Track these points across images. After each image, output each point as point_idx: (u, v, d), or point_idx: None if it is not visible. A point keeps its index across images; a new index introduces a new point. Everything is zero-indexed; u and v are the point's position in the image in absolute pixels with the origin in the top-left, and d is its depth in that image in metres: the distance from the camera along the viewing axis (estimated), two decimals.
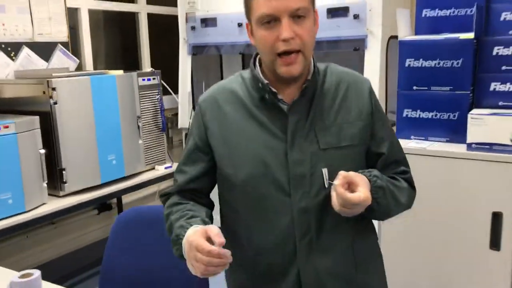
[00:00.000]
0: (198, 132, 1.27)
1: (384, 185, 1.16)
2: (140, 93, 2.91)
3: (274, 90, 1.20)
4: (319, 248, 1.19)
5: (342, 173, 1.08)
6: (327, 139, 1.19)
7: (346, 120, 1.21)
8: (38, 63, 2.99)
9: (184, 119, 3.57)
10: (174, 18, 3.53)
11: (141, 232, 1.67)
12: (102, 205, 3.52)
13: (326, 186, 1.16)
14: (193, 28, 3.40)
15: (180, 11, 3.45)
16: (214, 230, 1.05)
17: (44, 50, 3.02)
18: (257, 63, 1.24)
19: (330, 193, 1.10)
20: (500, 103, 1.59)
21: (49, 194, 2.45)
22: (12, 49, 2.85)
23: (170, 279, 1.59)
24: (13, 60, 2.86)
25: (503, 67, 1.58)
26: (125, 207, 3.50)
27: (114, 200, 3.52)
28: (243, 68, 3.75)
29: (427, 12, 1.75)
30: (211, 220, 1.25)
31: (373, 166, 1.24)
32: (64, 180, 2.49)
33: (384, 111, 1.32)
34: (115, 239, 1.72)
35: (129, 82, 2.84)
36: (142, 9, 3.75)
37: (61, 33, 3.12)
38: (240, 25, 3.13)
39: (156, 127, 3.07)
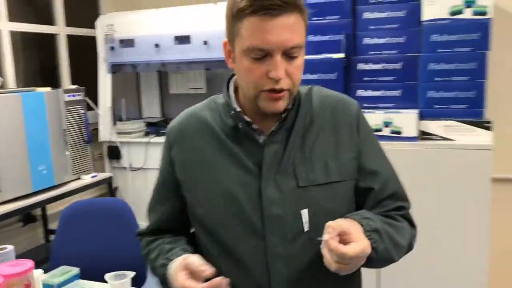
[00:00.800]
0: (166, 166, 1.16)
1: (379, 227, 1.00)
2: (66, 108, 3.16)
3: (248, 119, 1.07)
4: None
5: (330, 225, 0.91)
6: (307, 175, 1.04)
7: (330, 152, 1.07)
8: None
9: (105, 133, 3.83)
10: (92, 38, 3.81)
11: (88, 222, 1.98)
12: (27, 217, 3.66)
13: (306, 229, 1.03)
14: (112, 48, 3.70)
15: (99, 33, 3.74)
16: (195, 262, 0.98)
17: None
18: (231, 88, 1.12)
19: (320, 247, 0.94)
20: (364, 105, 2.11)
21: None
22: None
23: (120, 264, 1.73)
24: None
25: (365, 78, 2.12)
26: (50, 218, 3.67)
27: (39, 212, 3.68)
28: (160, 84, 4.10)
29: (311, 38, 2.25)
30: (193, 245, 1.16)
31: (362, 204, 1.10)
32: None
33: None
34: (62, 231, 2.01)
35: (56, 98, 3.08)
36: (62, 31, 3.98)
37: None
38: (157, 45, 3.50)
39: (81, 140, 3.33)
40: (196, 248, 1.15)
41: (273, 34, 0.94)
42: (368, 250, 0.91)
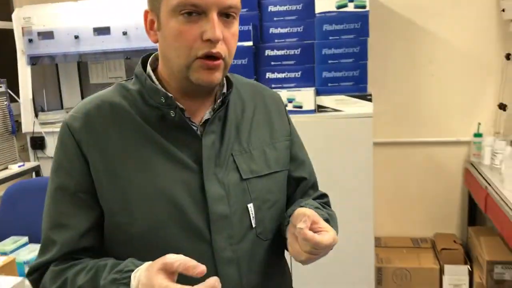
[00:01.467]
0: (76, 166, 0.92)
1: (327, 217, 0.98)
2: None
3: (181, 106, 0.92)
4: None
5: (305, 213, 0.87)
6: (249, 166, 0.97)
7: (267, 141, 1.02)
8: None
9: (28, 125, 3.91)
10: (9, 30, 3.85)
11: (29, 199, 2.17)
12: None
13: (253, 225, 0.95)
14: (30, 40, 3.78)
15: (16, 26, 3.80)
16: (179, 258, 0.78)
17: None
18: (150, 72, 0.96)
19: (287, 239, 0.92)
20: (272, 85, 2.48)
21: None
22: None
23: None
24: None
25: (272, 63, 2.48)
26: None
27: None
28: (80, 75, 4.23)
29: None
30: None
31: (291, 193, 1.08)
32: None
33: None
34: (4, 211, 2.19)
35: None
36: None
37: None
38: (76, 37, 3.63)
39: (6, 131, 3.41)
40: None
41: None
42: (337, 239, 0.88)
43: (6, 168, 3.37)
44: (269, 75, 2.49)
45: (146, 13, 0.93)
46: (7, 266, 1.54)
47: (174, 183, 0.91)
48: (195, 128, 0.95)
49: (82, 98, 4.24)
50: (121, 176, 0.91)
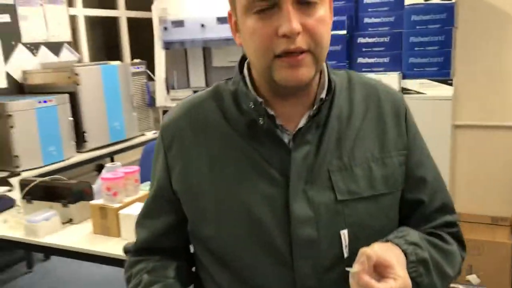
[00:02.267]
0: (161, 173, 0.92)
1: (427, 257, 0.80)
2: (132, 78, 3.96)
3: (271, 112, 0.84)
4: None
5: (365, 252, 0.72)
6: (347, 185, 0.82)
7: (375, 156, 0.85)
8: (52, 57, 3.97)
9: (161, 100, 4.63)
10: (148, 19, 4.58)
11: None
12: (100, 167, 4.54)
13: (346, 255, 0.81)
14: (165, 28, 4.46)
15: (154, 16, 4.51)
16: None
17: (55, 48, 4.00)
18: (245, 73, 0.88)
19: (348, 280, 0.74)
20: (363, 69, 2.78)
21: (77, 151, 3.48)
22: (34, 47, 3.82)
23: None
24: (34, 56, 3.83)
25: (363, 49, 2.79)
26: None
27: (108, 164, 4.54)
28: (204, 58, 4.86)
29: None
30: (186, 276, 0.96)
31: (405, 218, 0.90)
32: (85, 140, 3.52)
33: None
34: (143, 162, 2.81)
35: (125, 69, 3.89)
36: (123, 14, 4.77)
37: (66, 34, 4.11)
38: (202, 25, 4.23)
39: (143, 104, 4.13)
40: (191, 275, 0.96)
41: None
42: None
43: (143, 134, 4.09)
44: (360, 60, 2.79)
45: (229, 14, 0.85)
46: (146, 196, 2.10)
47: (258, 199, 0.81)
48: (288, 135, 0.83)
49: (206, 78, 4.88)
50: (205, 188, 0.85)
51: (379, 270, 0.71)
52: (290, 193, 0.81)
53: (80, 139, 3.51)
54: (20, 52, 3.70)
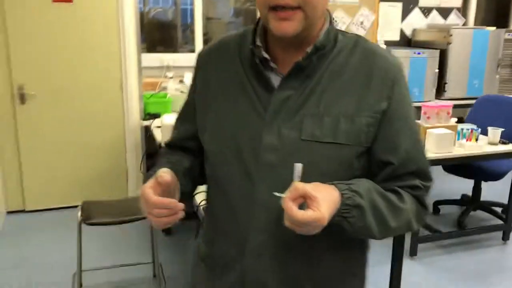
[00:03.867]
0: (191, 88, 1.13)
1: (363, 204, 0.91)
2: (504, 44, 4.39)
3: (265, 55, 0.98)
4: (271, 253, 1.00)
5: (295, 185, 0.84)
6: (313, 129, 0.95)
7: (348, 113, 0.95)
8: (439, 20, 4.82)
9: None
10: None
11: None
12: None
13: (295, 181, 0.90)
14: None
15: None
16: (160, 171, 0.94)
17: (444, 12, 4.80)
18: (261, 23, 1.02)
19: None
20: None
21: (435, 98, 4.30)
22: (426, 11, 4.75)
23: None
24: (425, 17, 4.77)
25: None
26: None
27: None
28: None
29: None
30: (195, 169, 1.12)
31: (376, 173, 1.00)
32: (445, 90, 4.29)
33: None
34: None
35: (497, 35, 4.35)
36: None
37: (457, 1, 4.84)
38: None
39: (510, 69, 4.51)
40: (200, 173, 1.13)
41: None
42: (323, 222, 0.83)
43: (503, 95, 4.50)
44: None
45: None
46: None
47: (241, 123, 0.99)
48: (278, 78, 0.98)
49: None
50: (210, 106, 1.05)
51: (307, 202, 0.83)
52: (264, 125, 0.96)
53: (440, 88, 4.31)
54: (415, 14, 4.71)
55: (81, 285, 2.50)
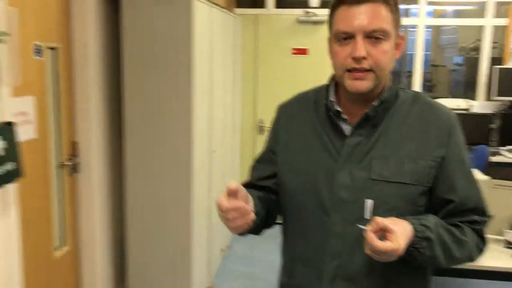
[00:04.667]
0: (272, 135, 1.31)
1: (432, 237, 1.07)
2: None
3: (338, 109, 1.18)
4: (344, 276, 1.15)
5: (376, 219, 1.01)
6: (381, 170, 1.12)
7: (410, 155, 1.13)
8: None
9: None
10: None
11: None
12: None
13: (367, 217, 1.11)
14: None
15: None
16: (230, 187, 1.04)
17: None
18: (332, 81, 1.23)
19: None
20: None
21: None
22: None
23: None
24: None
25: None
26: None
27: None
28: None
29: None
30: (269, 201, 1.26)
31: (438, 210, 1.15)
32: None
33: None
34: None
35: None
36: None
37: None
38: None
39: None
40: (276, 210, 1.28)
41: (355, 18, 1.08)
42: (399, 252, 0.99)
43: None
44: None
45: (328, 41, 1.18)
46: None
47: (318, 166, 1.17)
48: (349, 127, 1.17)
49: None
50: (290, 150, 1.24)
51: (385, 234, 1.00)
52: (338, 166, 1.15)
53: None
54: None
55: None
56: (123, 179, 2.81)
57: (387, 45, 1.09)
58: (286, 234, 1.29)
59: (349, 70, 1.10)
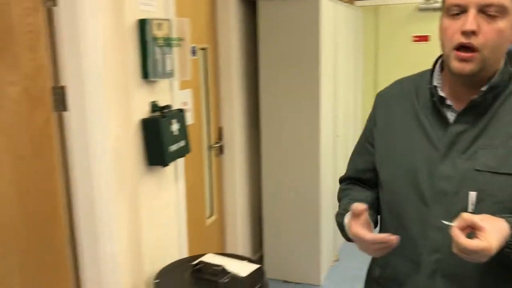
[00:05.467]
0: (369, 125, 1.26)
1: None
2: None
3: (442, 94, 1.09)
4: (444, 272, 1.07)
5: (463, 215, 0.91)
6: (487, 160, 1.02)
7: None
8: None
9: None
10: None
11: None
12: None
13: (470, 210, 1.00)
14: None
15: None
16: (354, 205, 1.04)
17: None
18: (438, 63, 1.14)
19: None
20: None
21: None
22: None
23: None
24: None
25: None
26: None
27: None
28: None
29: None
30: (375, 201, 1.24)
31: None
32: None
33: None
34: None
35: None
36: None
37: None
38: None
39: None
40: (375, 203, 1.24)
41: None
42: (490, 252, 0.88)
43: None
44: None
45: (440, 19, 1.08)
46: None
47: (418, 154, 1.09)
48: (454, 114, 1.07)
49: None
50: (389, 139, 1.17)
51: (476, 232, 0.89)
52: (439, 156, 1.06)
53: None
54: None
55: None
56: (259, 159, 3.21)
57: (503, 24, 0.98)
58: (382, 223, 1.24)
59: (457, 49, 1.01)
